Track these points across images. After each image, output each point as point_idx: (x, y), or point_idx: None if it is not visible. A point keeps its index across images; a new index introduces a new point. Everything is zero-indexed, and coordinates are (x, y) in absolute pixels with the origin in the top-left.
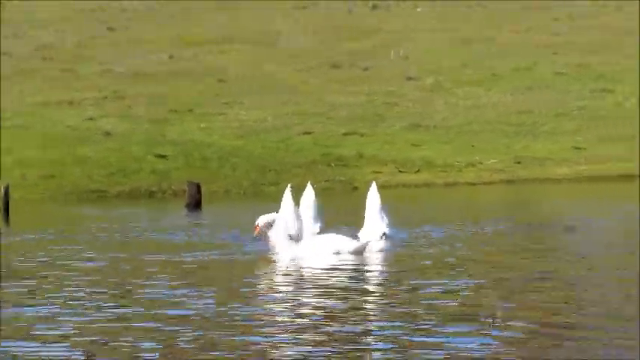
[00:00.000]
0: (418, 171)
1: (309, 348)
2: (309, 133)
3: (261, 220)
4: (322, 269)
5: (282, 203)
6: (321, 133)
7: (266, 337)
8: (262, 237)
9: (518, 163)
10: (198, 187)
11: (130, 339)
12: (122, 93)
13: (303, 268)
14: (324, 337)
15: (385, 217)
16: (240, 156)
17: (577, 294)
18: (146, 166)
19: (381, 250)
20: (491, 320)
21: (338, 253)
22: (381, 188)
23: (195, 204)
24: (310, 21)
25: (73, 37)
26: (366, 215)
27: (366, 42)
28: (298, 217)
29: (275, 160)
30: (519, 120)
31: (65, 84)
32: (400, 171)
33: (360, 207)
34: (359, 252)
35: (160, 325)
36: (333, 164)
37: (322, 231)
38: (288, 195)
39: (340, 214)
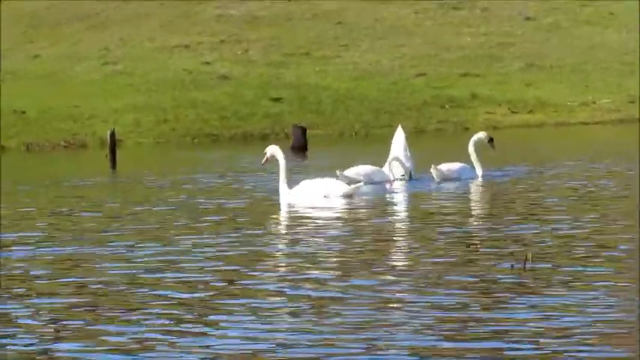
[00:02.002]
0: (531, 111)
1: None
2: (422, 74)
3: (269, 150)
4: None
5: (393, 142)
6: (435, 74)
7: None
8: (268, 165)
9: (632, 102)
10: (304, 130)
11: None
12: (239, 37)
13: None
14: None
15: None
16: (354, 98)
17: None
18: (260, 109)
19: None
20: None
21: (327, 196)
22: (493, 129)
23: (300, 147)
24: None
25: None
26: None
27: None
28: (407, 156)
29: (388, 103)
30: (634, 59)
31: (182, 28)
32: (513, 111)
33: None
34: (349, 196)
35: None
36: (446, 105)
37: (410, 170)
38: (400, 134)
39: (446, 155)
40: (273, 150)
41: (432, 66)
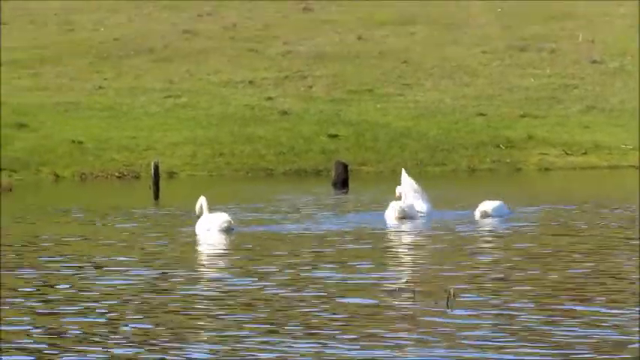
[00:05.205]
0: (585, 153)
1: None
2: (483, 114)
3: (199, 201)
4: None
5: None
6: (495, 114)
7: None
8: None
9: None
10: (345, 166)
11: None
12: (304, 73)
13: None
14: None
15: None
16: (412, 137)
17: None
18: (317, 145)
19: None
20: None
21: (209, 230)
22: (544, 170)
23: (342, 183)
24: (498, 4)
25: (264, 17)
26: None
27: (554, 25)
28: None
29: (445, 141)
30: None
31: (249, 64)
32: (567, 153)
33: (520, 188)
34: (226, 230)
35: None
36: (501, 145)
37: (429, 211)
38: (405, 178)
39: (488, 194)
40: (201, 200)
41: (493, 106)
